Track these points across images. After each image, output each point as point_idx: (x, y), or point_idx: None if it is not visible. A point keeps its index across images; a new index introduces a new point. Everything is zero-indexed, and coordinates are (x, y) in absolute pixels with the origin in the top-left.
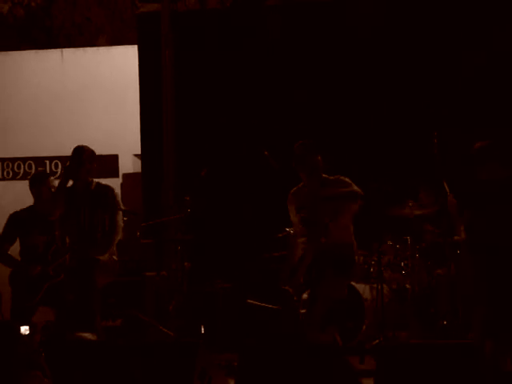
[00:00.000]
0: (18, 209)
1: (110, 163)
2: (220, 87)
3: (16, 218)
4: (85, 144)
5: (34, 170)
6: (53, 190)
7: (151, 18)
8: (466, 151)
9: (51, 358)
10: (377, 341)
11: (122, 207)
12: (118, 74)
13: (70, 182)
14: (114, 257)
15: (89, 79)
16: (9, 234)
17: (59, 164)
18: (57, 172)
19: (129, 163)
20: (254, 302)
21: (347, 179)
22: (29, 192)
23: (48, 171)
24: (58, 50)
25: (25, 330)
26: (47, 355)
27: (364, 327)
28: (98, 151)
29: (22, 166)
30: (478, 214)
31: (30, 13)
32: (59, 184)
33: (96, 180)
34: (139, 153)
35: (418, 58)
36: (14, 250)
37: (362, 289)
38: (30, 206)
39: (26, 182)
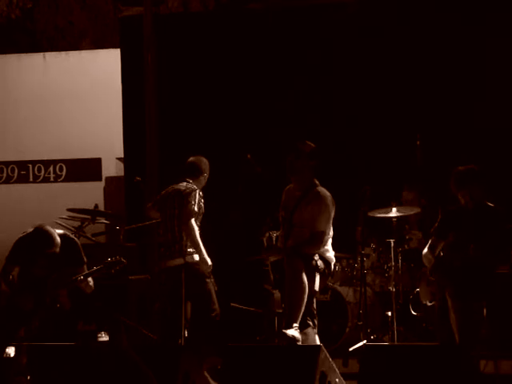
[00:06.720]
0: None
1: (93, 167)
2: (203, 90)
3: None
4: (67, 147)
5: (17, 173)
6: None
7: (134, 21)
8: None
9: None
10: (360, 343)
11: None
12: (100, 78)
13: None
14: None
15: (71, 83)
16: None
17: (42, 168)
18: (40, 176)
19: (112, 167)
20: (238, 306)
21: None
22: (11, 196)
23: (31, 175)
24: (41, 53)
25: (10, 351)
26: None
27: (347, 330)
28: (81, 155)
29: (5, 170)
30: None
31: (12, 17)
32: None
33: None
34: (122, 156)
35: (401, 61)
36: None
37: (346, 292)
38: None
39: (9, 186)
